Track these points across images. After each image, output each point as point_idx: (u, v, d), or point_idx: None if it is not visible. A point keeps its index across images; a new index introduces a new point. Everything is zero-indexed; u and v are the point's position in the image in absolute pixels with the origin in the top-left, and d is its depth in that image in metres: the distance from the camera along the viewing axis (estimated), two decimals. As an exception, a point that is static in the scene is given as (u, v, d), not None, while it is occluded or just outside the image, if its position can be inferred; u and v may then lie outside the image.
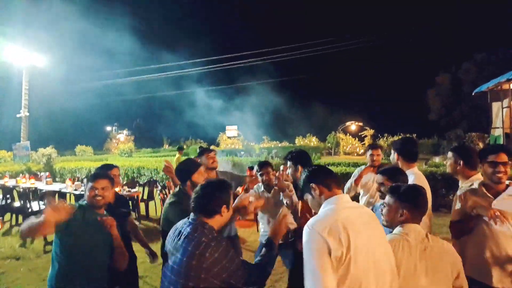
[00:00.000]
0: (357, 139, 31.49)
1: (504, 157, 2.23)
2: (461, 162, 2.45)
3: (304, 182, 1.80)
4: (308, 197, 1.79)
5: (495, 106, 14.14)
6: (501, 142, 12.64)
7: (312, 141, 33.96)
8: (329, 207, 1.63)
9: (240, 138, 33.27)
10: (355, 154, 28.78)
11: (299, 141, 34.51)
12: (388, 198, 1.87)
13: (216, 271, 1.59)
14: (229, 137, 33.36)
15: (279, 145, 34.23)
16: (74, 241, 2.16)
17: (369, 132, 28.99)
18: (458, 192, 2.37)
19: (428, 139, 25.37)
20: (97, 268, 2.22)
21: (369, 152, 3.91)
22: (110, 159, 18.90)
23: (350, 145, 31.09)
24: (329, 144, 27.73)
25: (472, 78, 24.81)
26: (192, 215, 1.79)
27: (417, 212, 1.79)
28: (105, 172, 2.79)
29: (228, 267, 1.62)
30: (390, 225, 1.84)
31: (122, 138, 41.39)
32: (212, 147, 31.84)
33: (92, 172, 3.34)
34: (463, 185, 2.45)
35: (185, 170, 2.55)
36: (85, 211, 2.28)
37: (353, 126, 32.43)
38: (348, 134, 32.02)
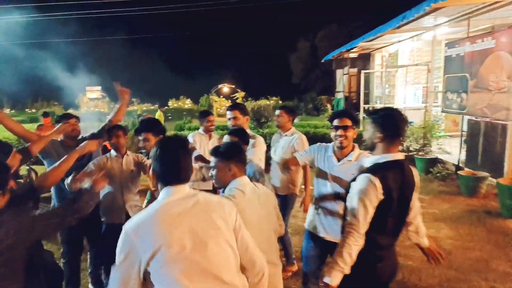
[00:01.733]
0: (230, 101, 32.44)
1: (346, 121, 2.33)
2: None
3: None
4: None
5: (339, 72, 16.52)
6: (342, 104, 14.99)
7: (186, 103, 33.34)
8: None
9: (105, 100, 29.91)
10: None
11: (172, 104, 33.38)
12: (213, 160, 1.90)
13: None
14: (90, 99, 29.51)
15: (151, 107, 32.39)
16: None
17: (240, 94, 30.16)
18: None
19: (290, 101, 28.13)
20: None
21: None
22: None
23: (224, 106, 31.89)
24: (202, 107, 27.74)
25: (325, 46, 28.18)
26: None
27: (241, 165, 1.89)
28: None
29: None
30: (223, 184, 1.88)
31: None
32: (70, 110, 27.73)
33: None
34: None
35: None
36: None
37: (225, 88, 33.05)
38: (221, 96, 32.61)
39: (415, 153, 7.91)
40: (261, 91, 29.79)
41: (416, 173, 1.90)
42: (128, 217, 2.80)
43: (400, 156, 1.79)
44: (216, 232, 1.38)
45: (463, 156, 6.67)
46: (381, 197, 1.68)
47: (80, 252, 3.17)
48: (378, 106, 11.19)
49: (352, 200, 1.73)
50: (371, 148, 1.86)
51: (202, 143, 3.76)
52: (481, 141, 6.21)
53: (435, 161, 7.09)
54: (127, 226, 1.33)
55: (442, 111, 7.77)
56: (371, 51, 13.26)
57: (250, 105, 15.80)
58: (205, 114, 3.92)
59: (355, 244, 1.68)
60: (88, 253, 3.28)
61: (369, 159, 1.86)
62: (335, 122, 2.36)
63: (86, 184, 2.34)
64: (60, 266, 2.59)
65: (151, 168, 1.49)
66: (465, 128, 6.85)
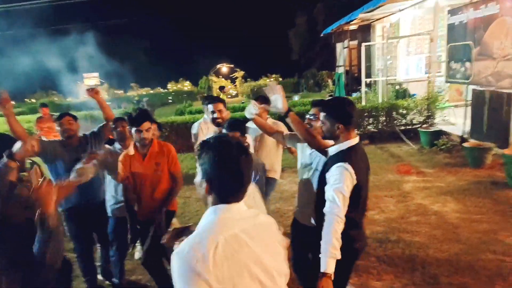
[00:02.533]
0: (229, 80, 32.05)
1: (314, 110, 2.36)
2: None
3: None
4: None
5: (339, 46, 16.12)
6: (343, 79, 14.73)
7: (185, 85, 33.02)
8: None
9: (104, 86, 29.65)
10: (229, 96, 29.47)
11: (172, 87, 33.08)
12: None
13: None
14: (89, 86, 29.30)
15: (151, 91, 32.16)
16: None
17: (239, 73, 29.73)
18: None
19: (290, 78, 27.73)
20: None
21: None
22: None
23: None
24: (202, 89, 27.46)
25: (324, 19, 27.37)
26: None
27: None
28: None
29: None
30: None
31: None
32: (69, 99, 27.59)
33: None
34: None
35: None
36: None
37: (224, 68, 32.57)
38: (220, 76, 32.20)
39: (418, 126, 7.82)
40: (260, 70, 29.35)
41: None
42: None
43: (357, 139, 1.96)
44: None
45: (467, 127, 6.57)
46: (355, 182, 1.83)
47: (91, 245, 3.20)
48: (379, 79, 10.98)
49: (330, 190, 1.83)
50: (330, 138, 2.00)
51: (209, 132, 3.56)
52: (486, 111, 6.09)
53: (439, 134, 7.00)
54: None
55: (446, 81, 7.60)
56: (372, 22, 12.87)
57: (250, 85, 15.56)
58: (210, 100, 3.34)
59: (340, 229, 1.77)
60: (98, 246, 3.32)
61: (332, 148, 1.98)
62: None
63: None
64: (66, 258, 2.61)
65: (204, 175, 1.13)
66: (469, 98, 6.71)
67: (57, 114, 3.25)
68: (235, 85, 30.50)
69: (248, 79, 23.32)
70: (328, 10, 26.50)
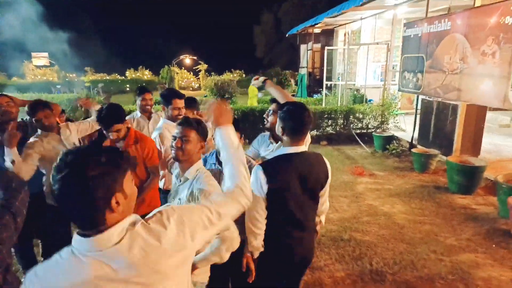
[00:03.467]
0: (191, 73, 31.39)
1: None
2: None
3: None
4: None
5: (303, 48, 16.47)
6: (306, 80, 15.07)
7: (145, 74, 31.80)
8: None
9: (55, 68, 27.62)
10: (191, 89, 28.88)
11: (130, 74, 31.69)
12: None
13: None
14: (37, 67, 27.10)
15: (108, 78, 30.50)
16: None
17: (203, 66, 29.25)
18: None
19: (254, 75, 27.79)
20: None
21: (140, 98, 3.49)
22: None
23: (186, 79, 30.85)
24: (163, 79, 26.59)
25: (289, 19, 27.77)
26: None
27: None
28: None
29: None
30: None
31: None
32: (14, 79, 25.32)
33: None
34: None
35: None
36: None
37: (187, 59, 31.85)
38: (183, 67, 31.43)
39: (373, 130, 8.23)
40: (224, 64, 29.06)
41: (326, 165, 2.03)
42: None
43: (301, 148, 1.91)
44: None
45: (416, 134, 7.04)
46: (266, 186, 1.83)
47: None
48: (339, 83, 11.38)
49: None
50: (279, 138, 2.05)
51: (140, 125, 3.47)
52: (433, 120, 6.56)
53: (391, 139, 7.43)
54: None
55: (399, 90, 8.07)
56: (335, 27, 13.28)
57: (214, 79, 15.34)
58: (142, 91, 3.53)
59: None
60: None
61: (274, 152, 2.04)
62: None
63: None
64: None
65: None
66: (419, 106, 7.18)
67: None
68: (198, 78, 29.96)
69: (212, 73, 22.99)
70: (293, 10, 26.91)
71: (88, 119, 3.16)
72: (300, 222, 1.94)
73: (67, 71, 28.40)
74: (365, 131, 8.43)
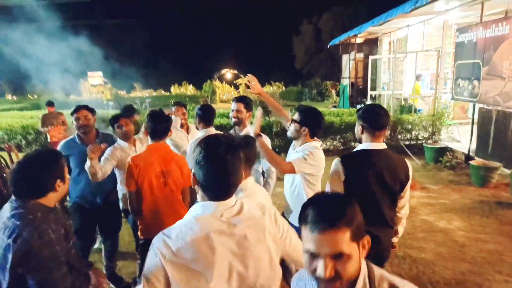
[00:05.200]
0: (232, 86, 32.16)
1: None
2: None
3: None
4: None
5: (345, 58, 16.24)
6: (348, 91, 14.81)
7: (189, 89, 33.10)
8: None
9: (107, 86, 29.74)
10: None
11: (175, 90, 33.14)
12: None
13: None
14: (93, 85, 29.35)
15: (154, 94, 32.21)
16: None
17: (243, 80, 29.83)
18: None
19: (293, 87, 27.81)
20: None
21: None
22: None
23: (226, 93, 31.66)
24: (205, 93, 27.53)
25: (329, 29, 27.62)
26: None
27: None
28: None
29: None
30: None
31: None
32: (71, 97, 27.61)
33: None
34: None
35: None
36: None
37: (228, 74, 32.71)
38: (224, 82, 32.31)
39: (423, 141, 7.84)
40: (263, 77, 29.43)
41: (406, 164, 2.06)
42: None
43: (381, 146, 2.00)
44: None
45: (473, 145, 6.59)
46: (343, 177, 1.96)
47: (91, 244, 3.21)
48: (384, 93, 11.03)
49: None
50: (359, 141, 2.10)
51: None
52: (493, 130, 6.12)
53: (444, 150, 7.02)
54: None
55: (452, 99, 7.64)
56: (379, 35, 12.99)
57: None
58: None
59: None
60: (102, 245, 3.29)
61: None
62: None
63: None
64: None
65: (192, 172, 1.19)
66: (474, 115, 6.74)
67: (61, 111, 3.27)
68: (238, 91, 30.60)
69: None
70: (334, 20, 26.71)
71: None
72: (372, 217, 1.86)
73: (117, 88, 30.44)
74: (414, 142, 8.06)
